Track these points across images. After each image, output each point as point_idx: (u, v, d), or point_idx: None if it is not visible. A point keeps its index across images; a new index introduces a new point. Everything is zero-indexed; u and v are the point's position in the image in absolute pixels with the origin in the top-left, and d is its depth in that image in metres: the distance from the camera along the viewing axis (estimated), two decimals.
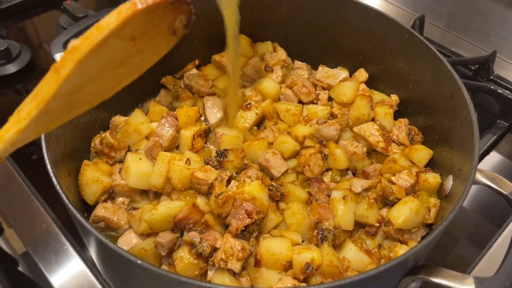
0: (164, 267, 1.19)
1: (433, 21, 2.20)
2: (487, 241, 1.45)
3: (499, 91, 1.78)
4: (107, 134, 1.36)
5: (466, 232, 1.51)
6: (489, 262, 1.40)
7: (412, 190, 1.32)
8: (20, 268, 1.41)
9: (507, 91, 1.79)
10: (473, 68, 1.95)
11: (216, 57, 1.67)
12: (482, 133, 1.76)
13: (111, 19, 0.71)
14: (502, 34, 2.12)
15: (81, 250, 1.36)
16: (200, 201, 1.24)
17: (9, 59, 1.90)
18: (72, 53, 0.70)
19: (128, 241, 1.25)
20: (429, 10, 2.18)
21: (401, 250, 1.19)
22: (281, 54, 1.68)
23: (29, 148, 1.62)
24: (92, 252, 1.19)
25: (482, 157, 1.71)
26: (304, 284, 1.10)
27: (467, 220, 1.54)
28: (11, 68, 1.90)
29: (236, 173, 1.33)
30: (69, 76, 0.71)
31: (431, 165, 1.40)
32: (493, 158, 1.73)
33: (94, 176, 1.27)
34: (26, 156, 1.59)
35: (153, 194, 1.34)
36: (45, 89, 0.72)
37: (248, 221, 1.15)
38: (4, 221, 1.44)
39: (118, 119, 1.48)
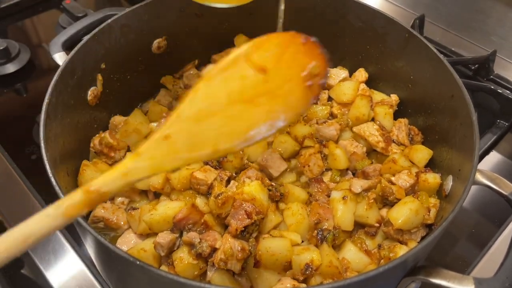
0: (164, 267, 1.18)
1: (433, 20, 2.19)
2: (487, 241, 1.44)
3: (499, 90, 1.78)
4: (107, 134, 1.36)
5: (466, 232, 1.50)
6: (489, 263, 1.39)
7: (412, 191, 1.32)
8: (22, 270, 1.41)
9: (507, 91, 1.79)
10: (473, 67, 1.94)
11: (216, 57, 1.67)
12: (482, 133, 1.75)
13: (244, 45, 0.72)
14: (502, 34, 2.11)
15: (81, 251, 1.35)
16: (200, 201, 1.24)
17: (8, 58, 1.89)
18: (203, 75, 0.69)
19: (127, 242, 1.25)
20: (429, 9, 2.18)
21: (401, 250, 1.19)
22: None
23: (28, 148, 1.62)
24: (91, 253, 1.19)
25: (482, 157, 1.70)
26: (304, 285, 1.10)
27: (467, 220, 1.53)
28: (10, 68, 1.89)
29: (235, 173, 1.33)
30: (196, 92, 0.68)
31: (431, 165, 1.40)
32: (493, 158, 1.73)
33: (93, 176, 1.26)
34: (25, 156, 1.59)
35: (153, 194, 1.33)
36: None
37: (247, 221, 1.14)
38: (3, 221, 1.44)
39: (118, 119, 1.48)
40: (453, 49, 2.06)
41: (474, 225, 1.53)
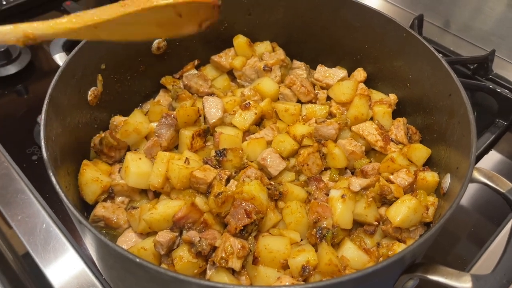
0: (164, 266, 1.19)
1: (432, 20, 2.20)
2: (485, 239, 1.45)
3: (498, 90, 1.78)
4: (107, 134, 1.37)
5: (465, 231, 1.51)
6: (487, 261, 1.40)
7: (410, 189, 1.33)
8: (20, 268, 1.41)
9: (506, 90, 1.79)
10: (472, 67, 1.95)
11: (214, 57, 1.68)
12: (481, 132, 1.76)
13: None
14: (501, 33, 2.12)
15: (81, 250, 1.36)
16: (199, 200, 1.25)
17: (9, 60, 1.91)
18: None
19: (128, 241, 1.26)
20: (428, 9, 2.19)
21: (399, 248, 1.19)
22: (280, 53, 1.68)
23: (29, 148, 1.62)
24: (92, 251, 1.20)
25: (481, 156, 1.71)
26: (302, 282, 1.11)
27: (466, 219, 1.54)
28: (11, 69, 1.90)
29: (235, 173, 1.33)
30: (129, 14, 0.96)
31: (429, 163, 1.41)
32: (492, 157, 1.73)
33: (93, 175, 1.27)
34: (26, 157, 1.60)
35: (153, 194, 1.34)
36: (107, 13, 0.98)
37: (247, 220, 1.15)
38: (4, 221, 1.45)
39: (118, 119, 1.49)
40: (451, 49, 2.07)
41: (473, 224, 1.53)
